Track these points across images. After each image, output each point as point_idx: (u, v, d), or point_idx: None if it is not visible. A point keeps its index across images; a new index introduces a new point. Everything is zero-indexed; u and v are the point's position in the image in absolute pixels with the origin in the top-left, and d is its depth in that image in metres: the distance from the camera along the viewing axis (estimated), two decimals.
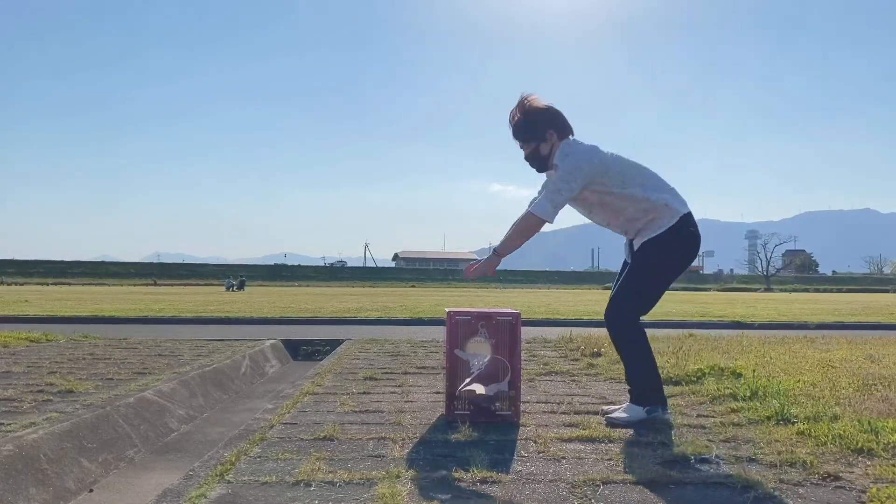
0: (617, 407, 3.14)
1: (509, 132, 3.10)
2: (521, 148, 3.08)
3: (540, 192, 3.12)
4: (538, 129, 3.01)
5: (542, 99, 3.06)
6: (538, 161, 3.07)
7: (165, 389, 3.84)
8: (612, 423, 2.92)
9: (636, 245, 3.04)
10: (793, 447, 2.49)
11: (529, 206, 3.03)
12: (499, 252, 2.99)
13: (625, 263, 3.15)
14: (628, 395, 3.06)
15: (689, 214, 3.01)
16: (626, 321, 3.01)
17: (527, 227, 2.97)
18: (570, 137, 3.03)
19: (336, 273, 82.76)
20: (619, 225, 3.07)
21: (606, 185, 2.94)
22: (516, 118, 3.05)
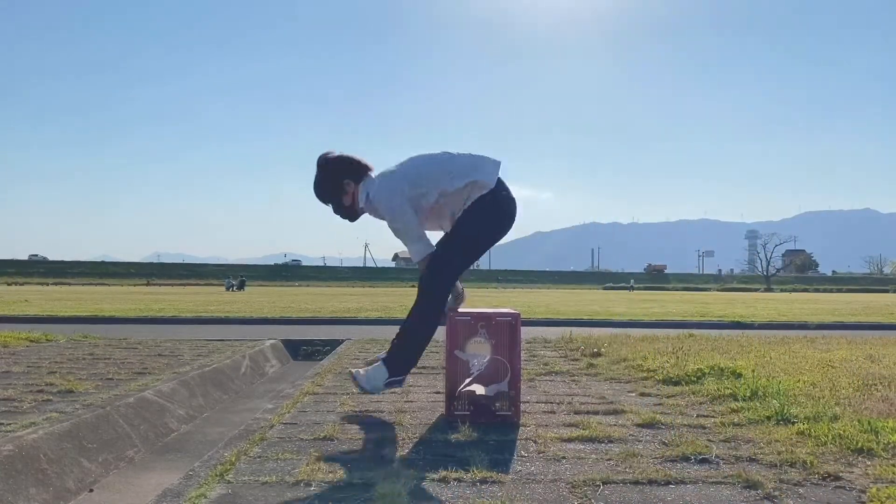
0: (368, 367, 3.18)
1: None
2: (327, 205, 3.13)
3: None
4: (335, 182, 3.05)
5: (334, 152, 3.11)
6: (346, 212, 3.12)
7: (165, 389, 3.84)
8: (354, 379, 3.04)
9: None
10: (793, 447, 2.49)
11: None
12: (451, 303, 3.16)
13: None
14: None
15: (499, 181, 3.06)
16: (439, 273, 3.03)
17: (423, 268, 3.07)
18: (370, 174, 3.06)
19: (337, 273, 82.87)
20: (454, 219, 3.12)
21: (425, 194, 2.99)
22: (316, 178, 3.10)
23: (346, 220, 3.18)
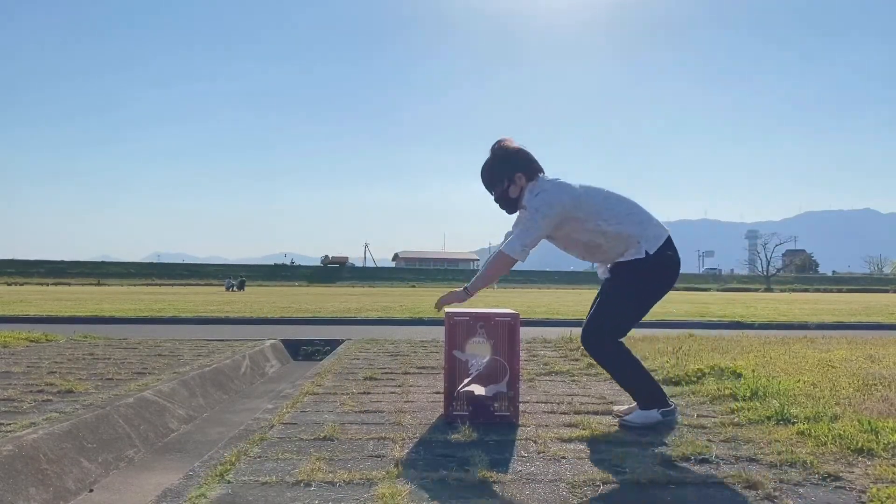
0: (628, 407, 3.13)
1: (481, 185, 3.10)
2: (491, 191, 3.08)
3: (513, 229, 3.13)
4: (507, 171, 3.01)
5: (514, 142, 3.07)
6: (507, 203, 3.07)
7: (165, 389, 3.84)
8: (626, 426, 2.91)
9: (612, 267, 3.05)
10: (793, 447, 2.49)
11: (502, 244, 3.04)
12: (469, 291, 2.99)
13: (602, 285, 3.15)
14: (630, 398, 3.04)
15: (669, 240, 2.99)
16: (601, 344, 2.97)
17: (498, 266, 2.98)
18: (540, 176, 3.02)
19: (337, 273, 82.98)
20: (596, 258, 3.07)
21: (580, 220, 2.93)
22: (488, 162, 3.06)
23: (504, 211, 3.12)
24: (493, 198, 3.10)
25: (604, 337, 2.97)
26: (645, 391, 2.96)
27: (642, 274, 2.93)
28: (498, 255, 2.97)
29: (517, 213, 3.10)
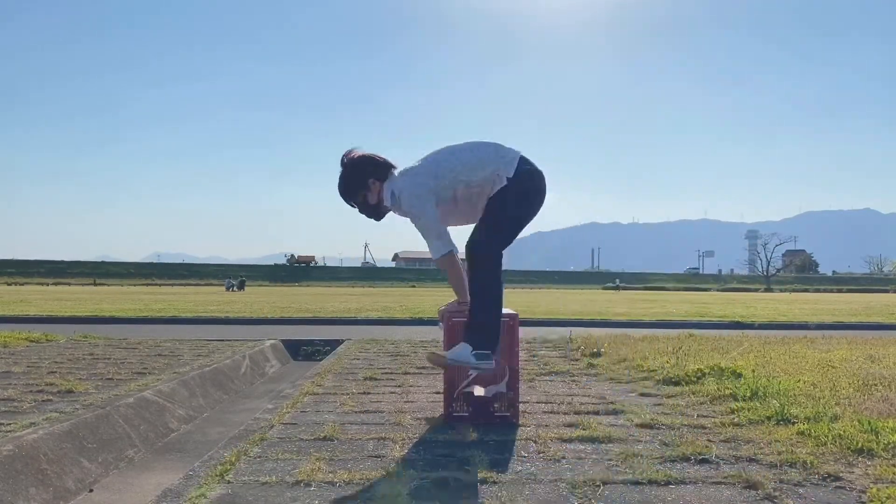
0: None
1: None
2: (351, 204, 3.09)
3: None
4: (360, 180, 3.02)
5: (359, 150, 3.08)
6: (370, 210, 3.08)
7: (165, 389, 3.84)
8: (436, 362, 2.90)
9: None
10: (793, 447, 2.49)
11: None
12: (462, 301, 3.01)
13: None
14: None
15: (522, 157, 3.01)
16: (487, 247, 2.95)
17: (449, 271, 3.00)
18: (392, 172, 3.04)
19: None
20: (480, 210, 3.06)
21: (447, 186, 2.95)
22: (341, 176, 3.06)
23: (372, 220, 3.14)
24: (357, 211, 3.10)
25: (489, 241, 2.96)
26: (482, 323, 2.88)
27: (511, 197, 2.96)
28: (438, 263, 2.99)
29: (384, 217, 3.11)
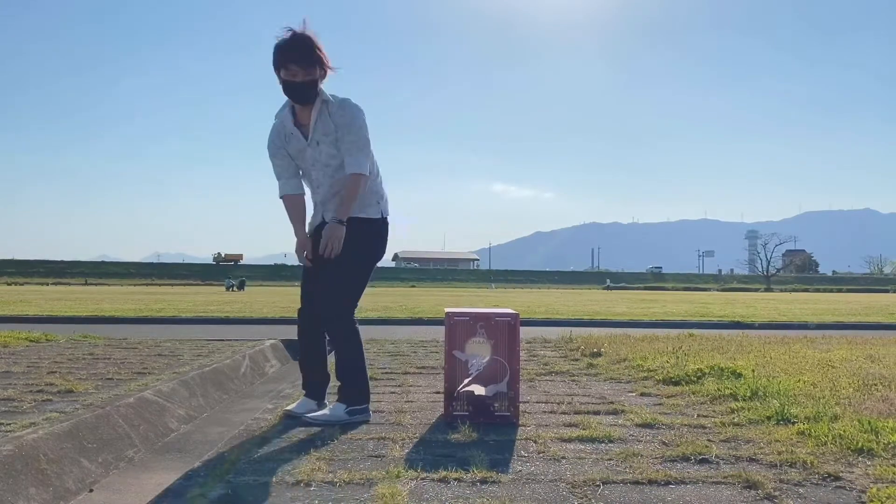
0: (320, 413, 3.03)
1: (284, 54, 2.78)
2: (295, 72, 2.78)
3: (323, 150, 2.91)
4: (323, 60, 2.81)
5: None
6: (307, 91, 2.82)
7: (165, 389, 3.84)
8: (310, 424, 2.89)
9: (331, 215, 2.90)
10: (793, 447, 2.49)
11: (347, 167, 2.87)
12: (342, 220, 2.85)
13: (311, 235, 3.04)
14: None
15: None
16: (343, 313, 2.92)
17: (357, 187, 2.86)
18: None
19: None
20: (335, 190, 2.93)
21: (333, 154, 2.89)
22: (303, 40, 2.77)
23: (297, 97, 2.85)
24: (291, 79, 2.79)
25: (349, 308, 2.92)
26: (362, 383, 2.96)
27: (376, 237, 2.94)
28: (355, 178, 2.84)
29: (306, 102, 2.86)
